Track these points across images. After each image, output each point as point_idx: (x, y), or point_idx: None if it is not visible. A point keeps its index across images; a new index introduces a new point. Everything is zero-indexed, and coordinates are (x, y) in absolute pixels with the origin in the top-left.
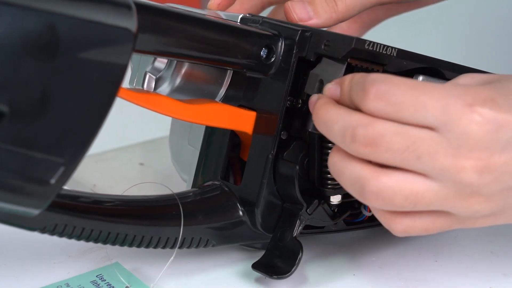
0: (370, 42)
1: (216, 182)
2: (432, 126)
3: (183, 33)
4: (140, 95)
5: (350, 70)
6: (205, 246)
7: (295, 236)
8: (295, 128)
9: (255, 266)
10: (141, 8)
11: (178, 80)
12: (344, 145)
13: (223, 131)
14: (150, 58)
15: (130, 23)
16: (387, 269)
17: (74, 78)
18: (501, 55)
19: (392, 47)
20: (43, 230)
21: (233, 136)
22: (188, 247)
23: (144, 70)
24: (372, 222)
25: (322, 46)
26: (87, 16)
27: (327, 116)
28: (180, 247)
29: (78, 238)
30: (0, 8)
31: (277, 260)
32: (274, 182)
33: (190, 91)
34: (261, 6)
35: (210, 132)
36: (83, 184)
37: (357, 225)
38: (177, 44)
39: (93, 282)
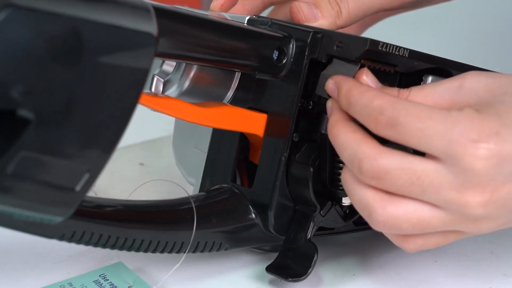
0: (384, 43)
1: (225, 185)
2: (438, 157)
3: (199, 36)
4: (152, 99)
5: None
6: (218, 250)
7: (309, 238)
8: (306, 130)
9: (269, 269)
10: (158, 11)
11: (186, 83)
12: (353, 171)
13: (232, 133)
14: (158, 61)
15: (151, 27)
16: (387, 269)
17: (97, 83)
18: (501, 55)
19: (404, 48)
20: (61, 238)
21: (242, 139)
22: (202, 251)
23: (152, 73)
24: None
25: (335, 47)
26: (110, 20)
27: (338, 140)
28: (193, 252)
29: (96, 244)
30: (25, 13)
31: (291, 262)
32: (287, 184)
33: (198, 94)
34: (262, 6)
35: (218, 135)
36: None
37: (366, 225)
38: (193, 47)
39: (96, 282)
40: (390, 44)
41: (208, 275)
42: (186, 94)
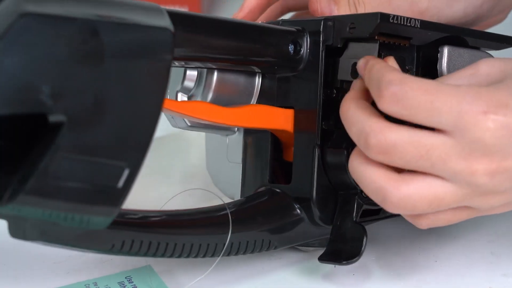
0: (394, 15)
1: (265, 187)
2: (446, 130)
3: (215, 37)
4: (180, 104)
5: (382, 47)
6: (268, 249)
7: (356, 220)
8: (334, 117)
9: (322, 258)
10: (172, 15)
11: (210, 95)
12: (360, 148)
13: (263, 136)
14: (179, 78)
15: (167, 22)
16: (387, 269)
17: (124, 80)
18: (501, 53)
19: (415, 19)
20: (111, 249)
21: (274, 140)
22: (252, 252)
23: (174, 91)
24: None
25: (348, 29)
26: (126, 19)
27: (347, 115)
28: (243, 253)
29: (145, 254)
30: (41, 20)
31: (342, 247)
32: (325, 172)
33: (222, 104)
34: (280, 12)
35: (250, 141)
36: None
37: None
38: (210, 48)
39: (120, 283)
40: (401, 16)
41: (239, 279)
42: None
